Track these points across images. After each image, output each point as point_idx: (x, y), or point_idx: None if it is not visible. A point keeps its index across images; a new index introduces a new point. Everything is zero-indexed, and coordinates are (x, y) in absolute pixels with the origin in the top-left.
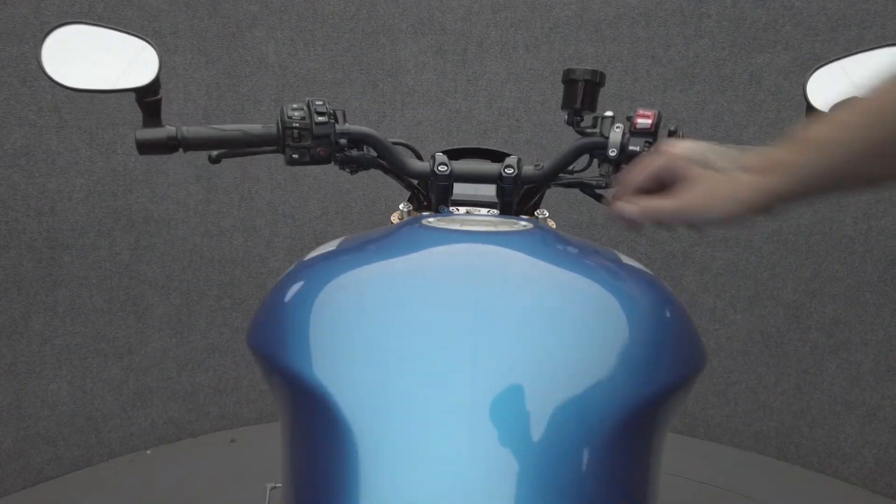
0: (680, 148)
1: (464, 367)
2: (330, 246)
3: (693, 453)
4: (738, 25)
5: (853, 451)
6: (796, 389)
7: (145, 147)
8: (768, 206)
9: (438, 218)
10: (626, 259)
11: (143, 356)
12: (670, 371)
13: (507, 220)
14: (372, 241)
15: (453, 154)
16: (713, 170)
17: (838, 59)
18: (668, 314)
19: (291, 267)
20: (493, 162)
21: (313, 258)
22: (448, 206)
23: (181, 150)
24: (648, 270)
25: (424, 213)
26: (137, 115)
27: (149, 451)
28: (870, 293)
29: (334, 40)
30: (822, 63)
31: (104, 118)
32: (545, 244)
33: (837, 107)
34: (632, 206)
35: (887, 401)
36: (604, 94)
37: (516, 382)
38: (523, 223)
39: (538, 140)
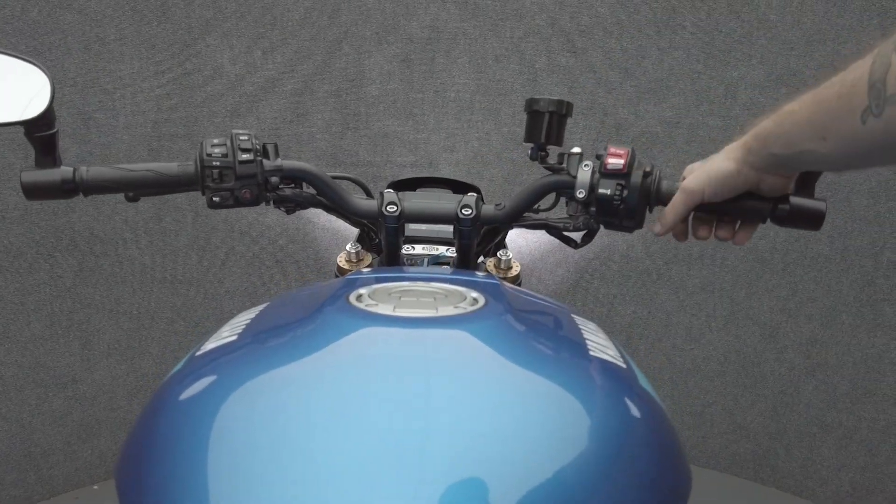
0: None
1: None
2: (232, 333)
3: None
4: (713, 38)
5: (830, 474)
6: (773, 411)
7: (34, 191)
8: (746, 154)
9: (371, 290)
10: (594, 339)
11: (89, 385)
12: None
13: (455, 287)
14: (286, 332)
15: (408, 184)
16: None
17: None
18: (643, 433)
19: (179, 365)
20: (453, 192)
21: (207, 355)
22: (400, 248)
23: (81, 194)
24: (621, 361)
25: (360, 276)
26: (81, 123)
27: (96, 487)
28: (846, 314)
29: (294, 48)
30: None
31: None
32: (496, 336)
33: None
34: (656, 226)
35: (864, 423)
36: (576, 106)
37: None
38: (473, 295)
39: (508, 154)
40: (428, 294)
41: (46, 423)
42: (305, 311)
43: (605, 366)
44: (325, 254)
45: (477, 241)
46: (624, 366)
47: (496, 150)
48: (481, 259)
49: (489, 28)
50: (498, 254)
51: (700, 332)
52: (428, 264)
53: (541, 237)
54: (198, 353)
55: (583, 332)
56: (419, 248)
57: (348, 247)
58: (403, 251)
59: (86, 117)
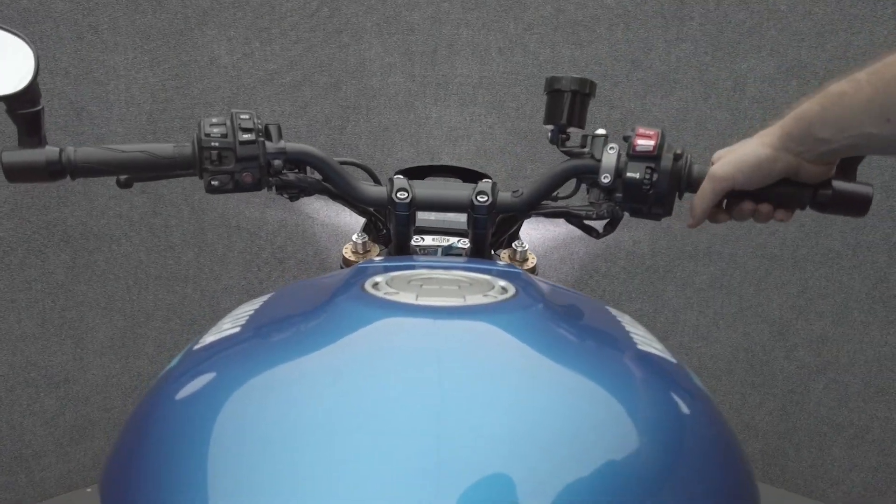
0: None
1: None
2: (234, 324)
3: None
4: (722, 29)
5: (840, 475)
6: (782, 410)
7: (16, 173)
8: (786, 139)
9: (388, 278)
10: (638, 332)
11: (83, 385)
12: None
13: (479, 275)
14: (294, 323)
15: (417, 172)
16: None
17: None
18: (705, 438)
19: (174, 361)
20: (464, 181)
21: (207, 349)
22: (410, 239)
23: (68, 177)
24: (670, 356)
25: (371, 265)
26: (74, 115)
27: (89, 490)
28: (858, 311)
29: (293, 39)
30: None
31: None
32: (534, 327)
33: None
34: (689, 220)
35: (876, 422)
36: None
37: None
38: (501, 284)
39: (512, 148)
40: (451, 282)
41: (38, 424)
42: (315, 301)
43: (657, 360)
44: (325, 250)
45: (492, 231)
46: (675, 361)
47: (500, 144)
48: (494, 251)
49: (492, 19)
50: (513, 244)
51: (708, 329)
52: (441, 255)
53: (545, 233)
54: (196, 348)
55: (624, 325)
56: (429, 239)
57: (354, 237)
58: (413, 242)
59: (78, 109)
